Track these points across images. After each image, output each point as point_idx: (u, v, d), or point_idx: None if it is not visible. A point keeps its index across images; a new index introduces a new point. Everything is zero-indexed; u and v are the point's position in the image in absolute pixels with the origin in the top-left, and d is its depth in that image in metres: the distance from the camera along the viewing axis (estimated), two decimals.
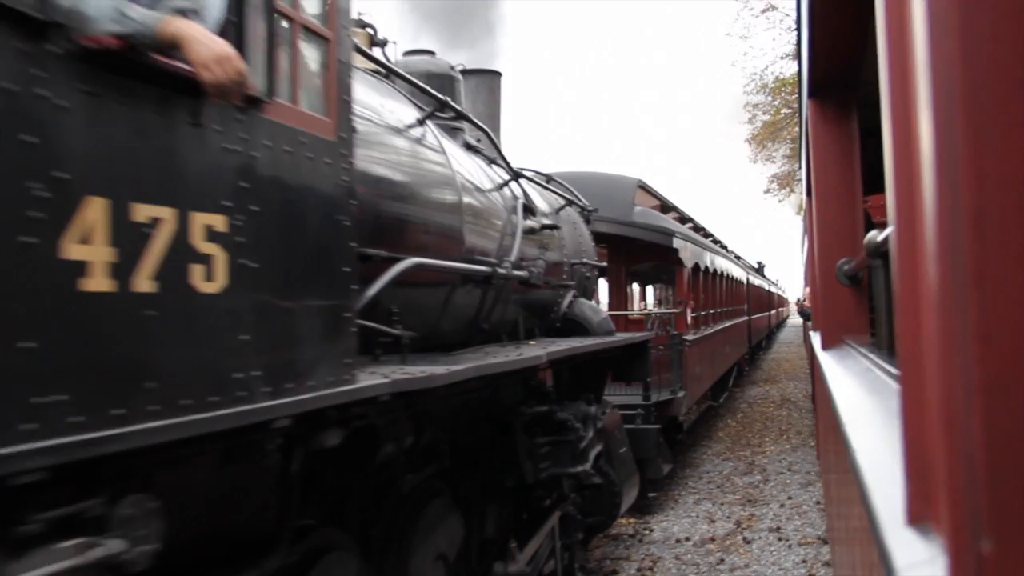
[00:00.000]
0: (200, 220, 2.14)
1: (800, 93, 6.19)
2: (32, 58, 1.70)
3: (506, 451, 5.54)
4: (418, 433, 4.35)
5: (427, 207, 4.56)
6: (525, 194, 6.61)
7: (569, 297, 7.49)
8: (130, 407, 1.89)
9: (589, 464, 5.99)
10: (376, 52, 5.40)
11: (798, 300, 37.41)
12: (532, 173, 7.87)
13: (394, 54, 6.58)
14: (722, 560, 8.25)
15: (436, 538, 4.64)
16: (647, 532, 9.30)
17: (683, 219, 16.89)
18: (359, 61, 4.94)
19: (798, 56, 5.71)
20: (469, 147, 6.15)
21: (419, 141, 4.77)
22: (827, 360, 4.12)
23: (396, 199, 4.20)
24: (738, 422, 17.30)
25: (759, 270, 37.63)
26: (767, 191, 36.36)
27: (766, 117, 29.21)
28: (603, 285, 14.22)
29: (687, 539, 8.98)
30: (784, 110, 27.05)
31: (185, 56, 1.99)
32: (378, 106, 4.39)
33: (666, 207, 15.49)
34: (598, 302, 13.78)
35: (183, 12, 2.05)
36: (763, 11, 24.59)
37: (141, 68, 1.95)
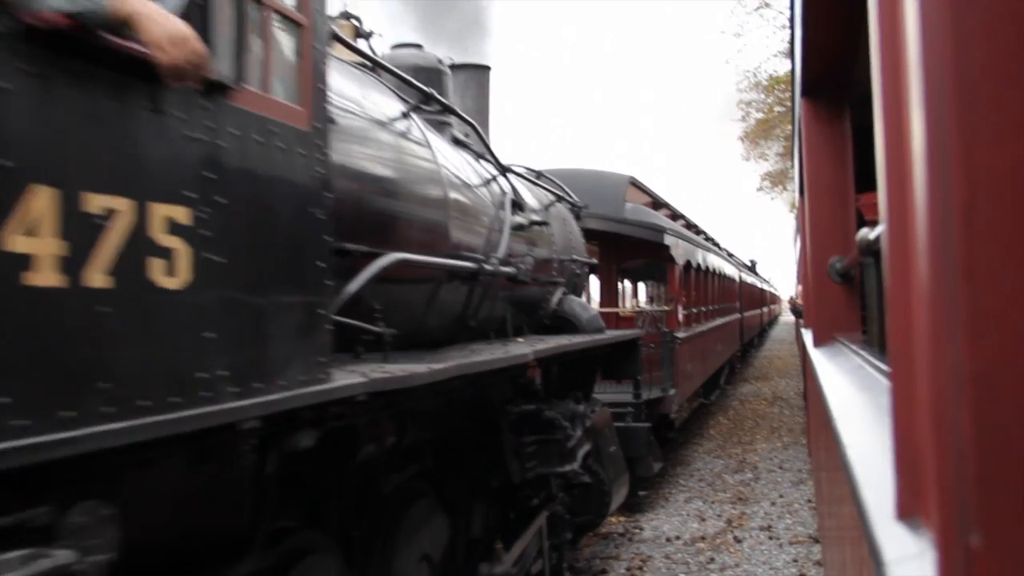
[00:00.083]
0: (160, 212, 2.04)
1: (793, 91, 6.18)
2: None
3: (492, 450, 5.44)
4: (400, 433, 4.25)
5: (411, 202, 4.46)
6: (514, 189, 6.51)
7: (558, 294, 7.39)
8: (81, 409, 1.78)
9: (577, 463, 5.90)
10: (361, 44, 5.29)
11: (790, 298, 37.40)
12: (522, 169, 7.77)
13: (381, 48, 6.50)
14: (712, 559, 8.16)
15: (420, 539, 4.54)
16: (637, 531, 9.21)
17: (675, 216, 16.80)
18: (344, 53, 4.84)
19: (791, 55, 5.69)
20: (457, 142, 6.04)
21: (403, 134, 4.66)
22: (819, 357, 4.11)
23: (378, 193, 4.10)
24: (730, 420, 17.25)
25: (751, 268, 37.59)
26: (760, 189, 36.36)
27: (759, 115, 29.16)
28: (594, 282, 14.14)
29: (677, 538, 8.90)
30: (777, 108, 27.00)
31: (138, 36, 1.88)
32: (360, 98, 4.28)
33: (658, 204, 15.40)
34: (589, 299, 13.71)
35: None
36: (756, 8, 24.53)
37: (93, 49, 1.84)
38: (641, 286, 22.95)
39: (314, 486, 3.73)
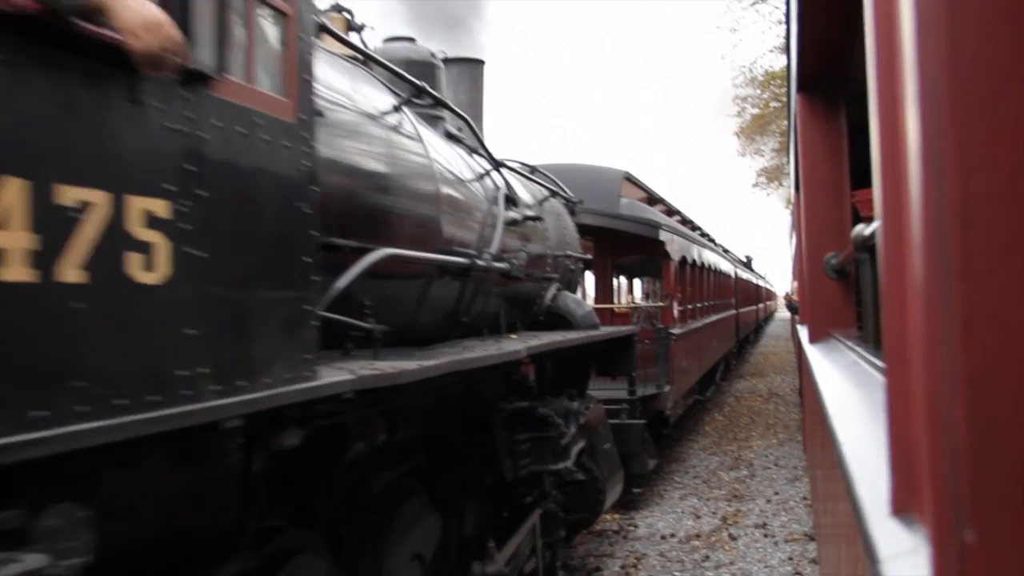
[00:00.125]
0: (138, 205, 1.98)
1: (789, 87, 6.17)
2: None
3: (485, 448, 5.39)
4: (391, 430, 4.20)
5: (402, 196, 4.40)
6: (507, 184, 6.45)
7: (552, 290, 7.34)
8: (54, 408, 1.72)
9: (571, 461, 5.85)
10: (353, 38, 5.23)
11: (786, 294, 37.38)
12: (516, 164, 7.71)
13: (374, 42, 6.44)
14: (707, 557, 8.12)
15: (412, 538, 4.49)
16: (632, 528, 9.17)
17: (670, 212, 16.76)
18: (335, 46, 4.78)
19: (787, 51, 5.69)
20: (450, 136, 5.98)
21: (395, 128, 4.60)
22: (814, 353, 4.08)
23: (368, 188, 4.04)
24: (725, 416, 17.22)
25: (747, 264, 37.59)
26: (756, 185, 36.32)
27: (755, 110, 29.13)
28: (589, 278, 14.09)
29: (672, 535, 8.85)
30: (773, 103, 26.97)
31: (111, 22, 1.82)
32: (350, 91, 4.22)
33: (653, 200, 15.35)
34: (584, 295, 13.66)
35: None
36: (752, 4, 24.46)
37: (65, 36, 1.78)
38: (637, 282, 22.92)
39: (303, 485, 3.68)
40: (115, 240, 1.91)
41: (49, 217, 1.73)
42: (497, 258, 5.59)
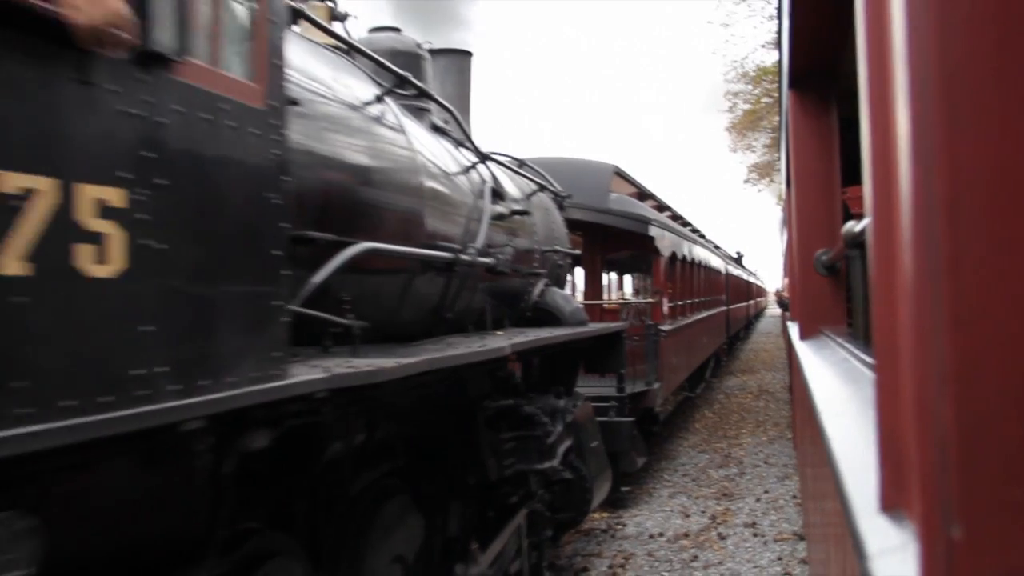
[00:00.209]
0: (89, 193, 1.86)
1: (780, 83, 6.18)
2: None
3: (469, 447, 5.28)
4: (371, 429, 4.09)
5: (383, 189, 4.28)
6: (494, 178, 6.33)
7: (540, 286, 7.23)
8: None
9: (557, 460, 5.73)
10: (336, 27, 5.11)
11: (777, 290, 37.39)
12: (504, 158, 7.59)
13: (359, 32, 6.30)
14: (696, 557, 8.03)
15: (393, 539, 4.38)
16: (620, 527, 9.07)
17: (661, 207, 16.65)
18: (318, 36, 4.65)
19: (779, 46, 5.67)
20: (436, 128, 5.86)
21: (376, 119, 4.48)
22: (805, 350, 4.10)
23: (348, 179, 3.92)
24: (715, 413, 17.14)
25: (738, 260, 37.58)
26: (747, 181, 36.23)
27: (746, 106, 29.02)
28: (579, 274, 14.00)
29: (660, 534, 8.76)
30: (765, 99, 26.86)
31: None
32: (330, 80, 4.10)
33: (643, 195, 15.24)
34: (574, 291, 13.57)
35: None
36: None
37: (3, 9, 1.65)
38: (627, 278, 22.84)
39: (278, 486, 3.57)
40: (63, 230, 1.78)
41: None
42: (483, 253, 5.48)
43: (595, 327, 7.73)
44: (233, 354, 2.35)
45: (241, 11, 2.49)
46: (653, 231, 11.56)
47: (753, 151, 32.72)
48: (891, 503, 1.09)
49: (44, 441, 1.68)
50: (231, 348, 2.34)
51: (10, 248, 1.66)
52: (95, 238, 1.87)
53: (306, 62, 3.95)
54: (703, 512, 9.58)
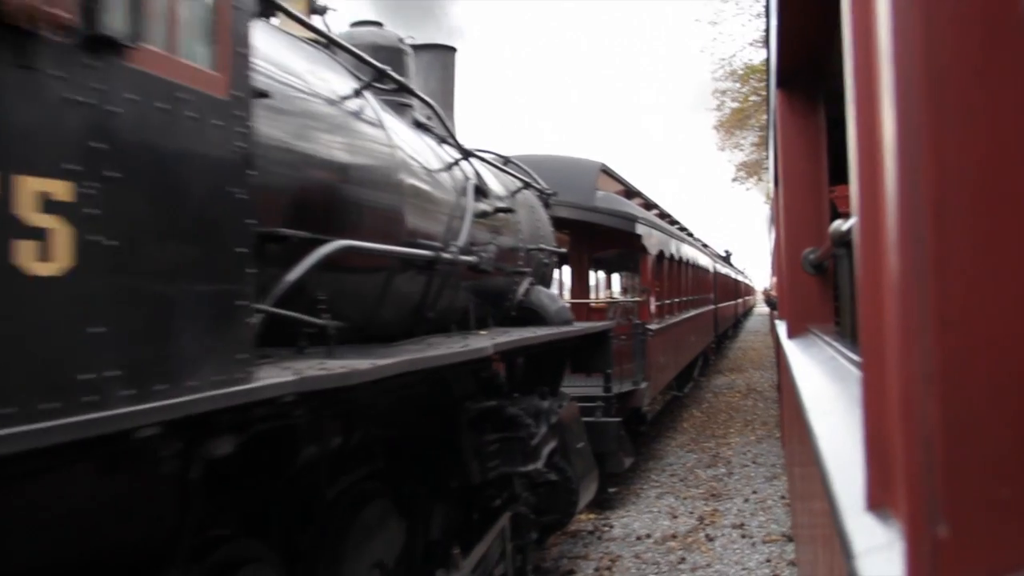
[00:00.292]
0: (31, 186, 1.74)
1: (768, 82, 6.19)
2: None
3: (451, 449, 5.17)
4: (347, 432, 3.97)
5: (361, 185, 4.16)
6: (477, 175, 6.22)
7: (525, 284, 7.13)
8: None
9: (541, 462, 5.63)
10: (315, 21, 4.99)
11: (765, 289, 37.40)
12: (489, 155, 7.48)
13: (341, 26, 6.18)
14: (683, 559, 7.93)
15: (373, 544, 4.27)
16: (607, 529, 8.97)
17: (648, 205, 16.56)
18: (296, 29, 4.54)
19: (767, 45, 5.66)
20: (418, 125, 5.75)
21: (354, 114, 4.37)
22: (792, 349, 4.12)
23: (323, 175, 3.80)
24: (703, 412, 17.07)
25: (726, 258, 37.58)
26: (735, 179, 36.21)
27: (734, 104, 28.97)
28: (566, 273, 13.91)
29: (648, 536, 8.66)
30: (752, 97, 26.82)
31: None
32: (305, 73, 3.98)
33: (631, 193, 15.14)
34: (561, 290, 13.47)
35: None
36: None
37: None
38: (615, 277, 22.77)
39: (252, 491, 3.45)
40: (1, 225, 1.67)
41: None
42: (465, 251, 5.36)
43: (581, 326, 7.63)
44: (193, 356, 2.23)
45: None
46: (640, 229, 11.46)
47: (741, 149, 32.69)
48: (877, 502, 1.08)
49: None
50: (191, 350, 2.22)
51: None
52: (38, 234, 1.75)
53: (280, 54, 3.84)
54: (691, 513, 9.49)
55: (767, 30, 5.20)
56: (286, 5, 4.16)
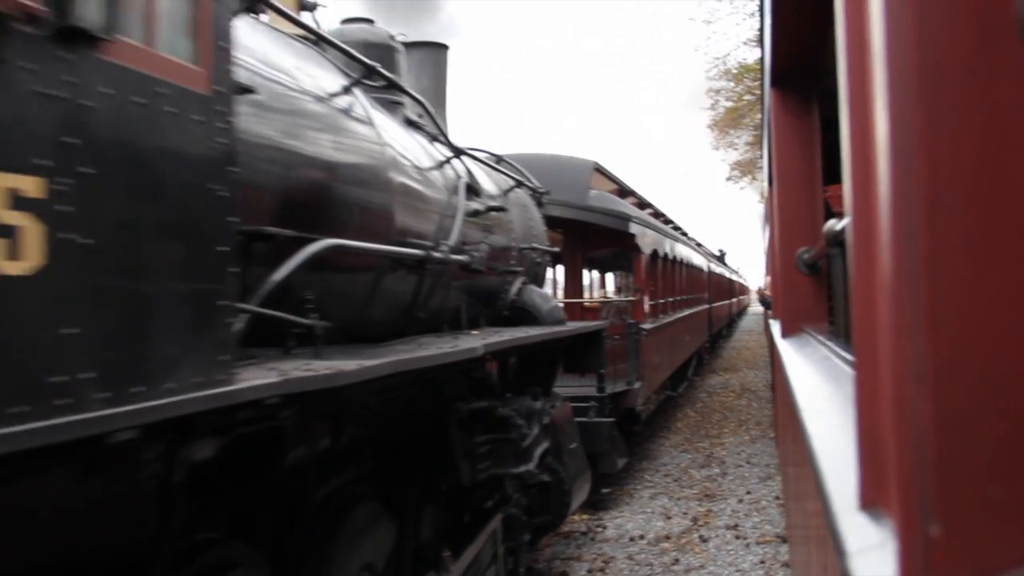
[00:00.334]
0: None
1: (762, 81, 6.20)
2: None
3: (442, 451, 5.11)
4: (336, 434, 3.92)
5: (350, 183, 4.10)
6: (469, 173, 6.17)
7: (518, 284, 7.07)
8: None
9: (533, 463, 5.57)
10: (305, 18, 4.93)
11: (759, 288, 37.40)
12: (482, 154, 7.42)
13: (331, 23, 6.12)
14: (677, 560, 7.89)
15: (362, 547, 4.22)
16: (600, 529, 8.92)
17: (642, 204, 16.51)
18: (286, 26, 4.48)
19: (761, 44, 5.66)
20: (410, 123, 5.69)
21: (344, 111, 4.31)
22: (786, 348, 4.10)
23: (311, 173, 3.74)
24: (697, 412, 17.04)
25: (720, 258, 37.57)
26: (729, 178, 36.20)
27: (728, 103, 28.94)
28: (559, 272, 13.86)
29: (641, 537, 8.61)
30: (747, 96, 26.79)
31: None
32: (293, 69, 3.92)
33: (624, 192, 15.09)
34: (555, 289, 13.42)
35: None
36: None
37: None
38: (609, 276, 22.73)
39: (238, 494, 3.40)
40: None
41: None
42: (456, 250, 5.31)
43: (574, 326, 7.59)
44: (172, 358, 2.17)
45: None
46: (634, 228, 11.42)
47: (735, 148, 32.70)
48: (870, 501, 1.08)
49: None
50: (170, 351, 2.17)
51: None
52: (6, 231, 1.69)
53: (267, 50, 3.78)
54: (685, 514, 9.44)
55: (761, 29, 5.21)
56: (274, 1, 4.11)
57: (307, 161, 3.72)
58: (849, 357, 2.35)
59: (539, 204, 8.49)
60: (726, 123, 30.18)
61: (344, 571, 4.01)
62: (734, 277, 44.06)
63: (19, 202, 1.72)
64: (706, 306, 23.07)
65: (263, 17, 4.19)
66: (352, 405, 3.82)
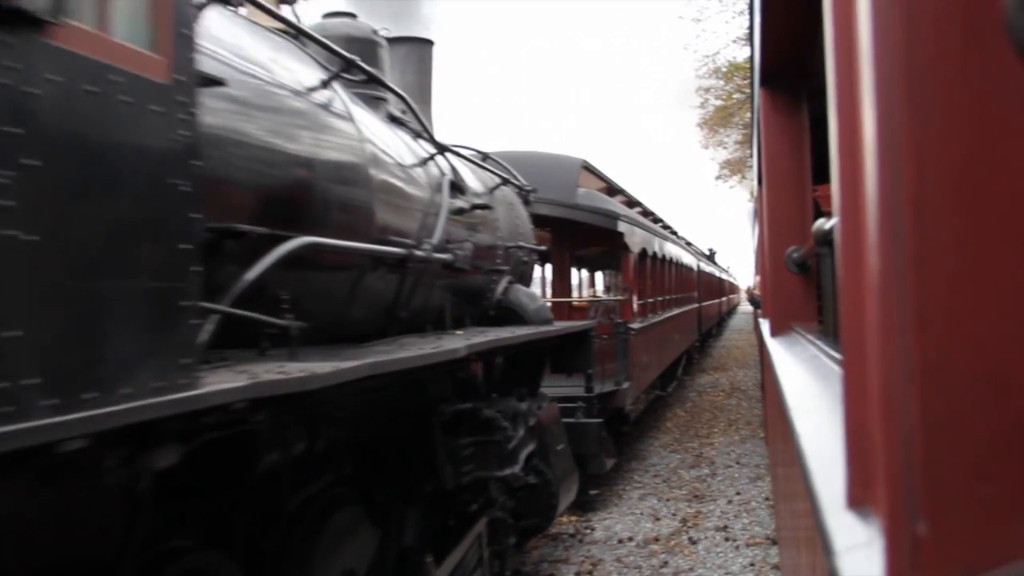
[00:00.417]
0: None
1: (752, 80, 6.17)
2: None
3: (425, 454, 5.00)
4: (312, 438, 3.80)
5: (328, 179, 3.99)
6: (454, 170, 6.05)
7: (503, 283, 6.96)
8: None
9: (518, 466, 5.47)
10: (285, 11, 4.81)
11: (748, 288, 37.42)
12: (467, 151, 7.30)
13: (313, 18, 6.00)
14: (666, 563, 7.80)
15: (342, 552, 4.11)
16: (588, 531, 8.83)
17: (631, 203, 16.42)
18: (263, 19, 4.37)
19: (750, 43, 5.63)
20: (393, 119, 5.57)
21: (322, 105, 4.19)
22: (776, 347, 4.09)
23: (286, 168, 3.62)
24: (687, 412, 16.97)
25: (710, 257, 37.55)
26: (719, 177, 36.17)
27: (718, 102, 28.91)
28: (547, 271, 13.76)
29: (630, 539, 8.52)
30: (736, 95, 26.75)
31: None
32: (268, 62, 3.80)
33: (613, 190, 15.00)
34: (544, 288, 13.32)
35: None
36: None
37: None
38: (598, 275, 22.64)
39: (211, 500, 3.28)
40: None
41: None
42: (440, 248, 5.19)
43: (560, 326, 7.48)
44: (128, 362, 2.05)
45: None
46: (622, 227, 11.32)
47: (725, 147, 32.69)
48: (858, 500, 1.08)
49: None
50: (125, 355, 2.04)
51: None
52: None
53: (241, 41, 3.66)
54: (674, 515, 9.35)
55: (750, 28, 5.21)
56: None
57: (283, 156, 3.60)
58: (838, 356, 2.33)
59: (526, 202, 8.39)
60: (715, 121, 30.16)
61: None
62: (723, 276, 44.06)
63: None
64: (696, 305, 23.01)
65: (242, 11, 4.08)
66: (329, 408, 3.70)
